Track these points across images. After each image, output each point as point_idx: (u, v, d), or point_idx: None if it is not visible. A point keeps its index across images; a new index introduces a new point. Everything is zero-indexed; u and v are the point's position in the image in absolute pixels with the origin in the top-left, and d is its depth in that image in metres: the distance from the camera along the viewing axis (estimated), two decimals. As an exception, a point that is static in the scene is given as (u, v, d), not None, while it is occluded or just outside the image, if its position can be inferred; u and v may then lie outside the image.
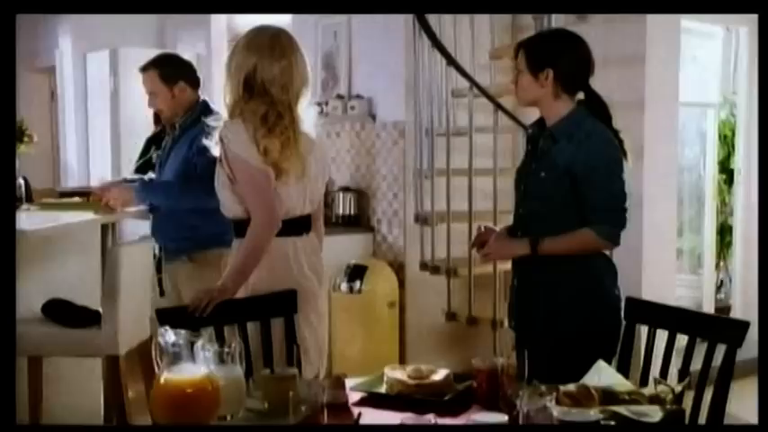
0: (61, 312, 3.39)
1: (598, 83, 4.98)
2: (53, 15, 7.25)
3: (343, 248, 5.21)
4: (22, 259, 3.60)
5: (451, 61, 4.29)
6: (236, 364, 2.20)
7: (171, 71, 3.91)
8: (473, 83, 4.25)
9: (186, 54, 6.88)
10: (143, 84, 3.94)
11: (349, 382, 2.40)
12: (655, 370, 2.52)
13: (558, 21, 4.45)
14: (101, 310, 3.36)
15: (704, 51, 5.90)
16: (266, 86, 2.76)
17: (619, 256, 4.78)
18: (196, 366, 2.07)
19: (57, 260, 3.80)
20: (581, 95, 2.83)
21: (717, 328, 2.44)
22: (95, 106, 6.97)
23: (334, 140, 5.61)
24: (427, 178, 4.68)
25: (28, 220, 3.65)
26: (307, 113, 2.88)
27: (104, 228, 3.99)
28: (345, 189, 5.41)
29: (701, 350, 2.41)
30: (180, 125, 3.85)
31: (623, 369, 2.60)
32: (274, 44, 2.80)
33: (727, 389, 2.33)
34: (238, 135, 2.74)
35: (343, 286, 5.01)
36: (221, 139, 2.76)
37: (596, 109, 2.79)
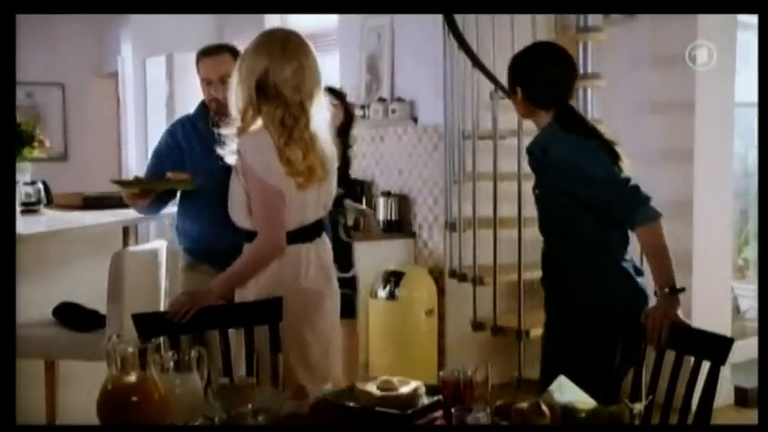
0: (70, 316, 3.41)
1: (645, 84, 4.84)
2: (117, 23, 7.40)
3: (384, 254, 5.14)
4: (40, 261, 3.66)
5: (477, 63, 4.17)
6: (193, 372, 2.15)
7: None
8: (497, 84, 4.12)
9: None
10: (210, 68, 3.43)
11: (316, 393, 2.33)
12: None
13: (595, 20, 4.27)
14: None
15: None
16: (279, 88, 2.70)
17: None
18: (145, 374, 2.03)
19: (78, 262, 3.84)
20: None
21: (702, 343, 2.28)
22: (154, 110, 7.08)
23: (377, 144, 5.54)
24: (456, 183, 4.56)
25: (48, 222, 3.70)
26: (319, 115, 2.82)
27: (126, 230, 4.00)
28: (387, 194, 5.33)
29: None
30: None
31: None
32: (285, 46, 2.75)
33: (710, 407, 2.19)
34: (256, 149, 2.70)
35: (380, 292, 4.93)
36: (239, 152, 2.71)
37: (569, 124, 2.73)
